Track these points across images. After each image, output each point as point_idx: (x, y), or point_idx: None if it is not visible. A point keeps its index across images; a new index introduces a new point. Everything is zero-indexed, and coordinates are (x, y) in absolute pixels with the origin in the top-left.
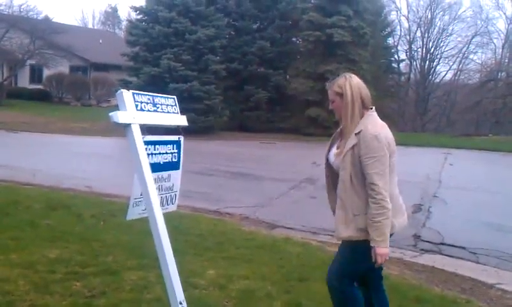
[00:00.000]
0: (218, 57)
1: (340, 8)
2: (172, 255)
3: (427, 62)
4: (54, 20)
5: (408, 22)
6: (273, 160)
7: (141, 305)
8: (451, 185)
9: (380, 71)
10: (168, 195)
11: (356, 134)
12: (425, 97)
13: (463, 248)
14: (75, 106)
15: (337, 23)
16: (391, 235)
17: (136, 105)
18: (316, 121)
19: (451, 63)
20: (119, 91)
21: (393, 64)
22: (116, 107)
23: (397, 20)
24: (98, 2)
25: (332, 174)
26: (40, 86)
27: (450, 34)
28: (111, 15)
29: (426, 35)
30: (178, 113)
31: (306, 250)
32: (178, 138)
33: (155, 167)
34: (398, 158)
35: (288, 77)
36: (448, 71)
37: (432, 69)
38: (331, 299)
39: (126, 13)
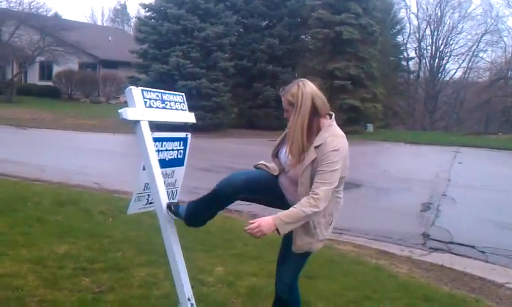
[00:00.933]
0: (227, 55)
1: (349, 6)
2: (180, 251)
3: (437, 60)
4: (63, 17)
5: (418, 19)
6: None
7: (150, 301)
8: (460, 184)
9: (389, 69)
10: (169, 190)
11: (315, 148)
12: (435, 95)
13: (472, 247)
14: (84, 103)
15: (346, 20)
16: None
17: (145, 102)
18: None
19: (461, 61)
20: (128, 88)
21: (403, 62)
22: (125, 104)
23: (406, 18)
24: None
25: (280, 168)
26: (49, 83)
27: (460, 32)
28: (120, 12)
29: (436, 33)
30: (186, 110)
31: None
32: (186, 135)
33: (161, 164)
34: (408, 157)
35: (296, 74)
36: (457, 69)
37: (442, 67)
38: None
39: (135, 10)
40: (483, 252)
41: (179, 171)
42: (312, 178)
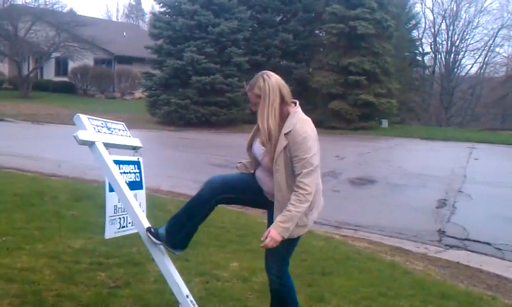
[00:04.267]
0: (241, 50)
1: (364, 0)
2: (168, 257)
3: (452, 55)
4: (78, 13)
5: (433, 14)
6: None
7: (165, 296)
8: (476, 180)
9: (404, 64)
10: None
11: (285, 134)
12: (450, 91)
13: (488, 244)
14: (99, 98)
15: (361, 15)
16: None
17: (94, 128)
18: (339, 114)
19: (476, 56)
20: (76, 115)
21: (418, 57)
22: (139, 100)
23: (421, 13)
24: None
25: (256, 162)
26: (65, 79)
27: (476, 27)
28: (135, 8)
29: (451, 28)
30: (130, 136)
31: (329, 244)
32: (137, 158)
33: None
34: (423, 152)
35: (311, 69)
36: (473, 64)
37: (457, 62)
38: (279, 297)
39: (150, 5)
40: (499, 249)
41: (140, 195)
42: (286, 164)
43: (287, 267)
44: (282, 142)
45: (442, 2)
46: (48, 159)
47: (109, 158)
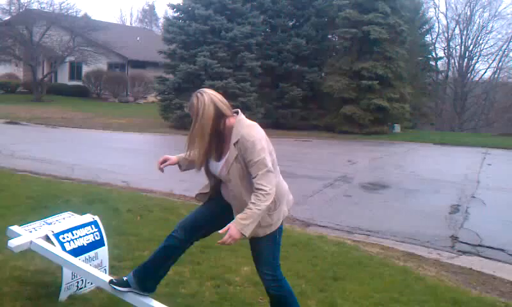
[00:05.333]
0: (254, 55)
1: (377, 5)
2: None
3: (466, 60)
4: (92, 18)
5: (446, 19)
6: (308, 157)
7: (177, 300)
8: (490, 186)
9: (417, 69)
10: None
11: (234, 144)
12: (464, 96)
13: (502, 250)
14: (112, 102)
15: (374, 20)
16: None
17: (29, 231)
18: (351, 118)
19: (490, 61)
20: (8, 229)
21: (431, 62)
22: (152, 104)
23: (435, 17)
24: (136, 0)
25: (216, 181)
26: (79, 83)
27: (490, 32)
28: (149, 13)
29: (465, 32)
30: (79, 216)
31: (341, 249)
32: (93, 219)
33: (80, 251)
34: (436, 158)
35: (323, 74)
36: (487, 69)
37: (471, 67)
38: (280, 302)
39: (163, 10)
40: None
41: (102, 252)
42: (240, 173)
43: (280, 270)
44: (233, 152)
45: (456, 7)
46: (62, 162)
47: (50, 247)
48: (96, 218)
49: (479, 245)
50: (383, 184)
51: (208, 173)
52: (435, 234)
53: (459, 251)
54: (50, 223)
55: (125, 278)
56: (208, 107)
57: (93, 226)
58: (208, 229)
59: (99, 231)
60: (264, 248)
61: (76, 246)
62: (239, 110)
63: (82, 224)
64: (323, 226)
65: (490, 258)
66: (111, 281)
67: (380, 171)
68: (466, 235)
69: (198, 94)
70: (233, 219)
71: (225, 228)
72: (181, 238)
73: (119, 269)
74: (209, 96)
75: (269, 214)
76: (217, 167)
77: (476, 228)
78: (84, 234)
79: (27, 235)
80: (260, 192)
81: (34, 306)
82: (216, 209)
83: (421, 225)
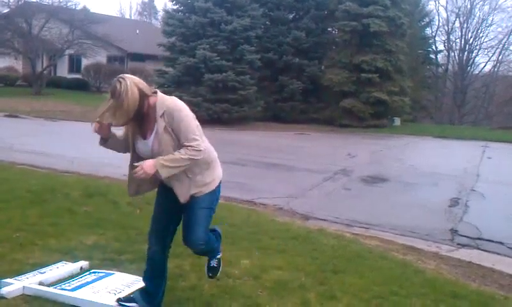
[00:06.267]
0: (253, 48)
1: None
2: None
3: (466, 53)
4: (91, 11)
5: (447, 11)
6: (307, 151)
7: (176, 293)
8: (489, 179)
9: (417, 62)
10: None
11: (161, 116)
12: (464, 89)
13: (501, 243)
14: None
15: (374, 13)
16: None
17: (22, 279)
18: (351, 112)
19: (490, 54)
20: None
21: (431, 55)
22: None
23: (435, 10)
24: None
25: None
26: (78, 76)
27: (490, 25)
28: (148, 6)
29: (465, 25)
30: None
31: (341, 242)
32: (89, 272)
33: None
34: (435, 151)
35: (323, 67)
36: (487, 62)
37: (471, 60)
38: (204, 253)
39: (162, 3)
40: None
41: (112, 279)
42: (172, 145)
43: (209, 231)
44: (161, 124)
45: (456, 0)
46: (61, 156)
47: (45, 288)
48: (84, 265)
49: (479, 239)
50: (383, 177)
51: (134, 156)
52: (434, 227)
53: (458, 244)
54: (44, 271)
55: (134, 296)
56: (132, 89)
57: (92, 274)
58: (173, 226)
59: (98, 271)
60: (199, 210)
61: (88, 280)
62: (157, 90)
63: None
64: (323, 219)
65: (489, 251)
66: (118, 300)
67: (380, 165)
68: (466, 228)
69: (120, 79)
70: (182, 209)
71: (141, 162)
72: (157, 249)
73: (119, 262)
74: (131, 80)
75: (202, 174)
76: (147, 145)
77: (475, 221)
78: (93, 279)
79: (19, 283)
80: (189, 147)
81: (34, 299)
82: (168, 205)
83: (420, 218)
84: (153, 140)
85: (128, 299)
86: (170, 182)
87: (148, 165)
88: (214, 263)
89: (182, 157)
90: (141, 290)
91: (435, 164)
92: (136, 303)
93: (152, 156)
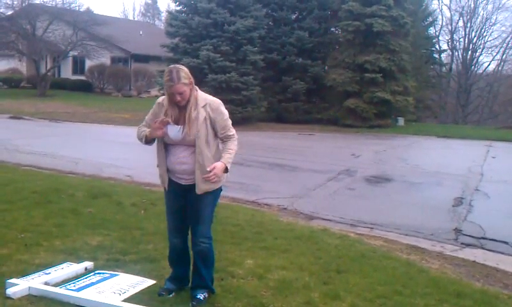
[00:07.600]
0: (256, 48)
1: None
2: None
3: (470, 52)
4: (95, 12)
5: (450, 11)
6: (311, 151)
7: (180, 293)
8: (493, 179)
9: (421, 62)
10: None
11: (203, 107)
12: (467, 88)
13: (505, 243)
14: (116, 97)
15: (377, 12)
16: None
17: (27, 280)
18: (355, 112)
19: (494, 53)
20: (6, 282)
21: (435, 55)
22: (155, 97)
23: (438, 10)
24: None
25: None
26: (82, 77)
27: (494, 24)
28: (151, 7)
29: (469, 25)
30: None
31: (344, 242)
32: (94, 273)
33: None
34: (439, 150)
35: (326, 67)
36: (491, 61)
37: (475, 59)
38: (202, 259)
39: (166, 4)
40: None
41: (117, 279)
42: (206, 134)
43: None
44: (203, 113)
45: None
46: (65, 157)
47: (49, 289)
48: (89, 265)
49: (483, 238)
50: (387, 177)
51: (168, 139)
52: (438, 227)
53: (462, 243)
54: (50, 272)
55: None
56: (188, 74)
57: (98, 274)
58: (187, 220)
59: (103, 272)
60: (206, 205)
61: (94, 281)
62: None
63: (86, 274)
64: (326, 219)
65: (493, 251)
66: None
67: (383, 164)
68: (470, 228)
69: (178, 66)
70: (189, 202)
71: (212, 166)
72: (178, 241)
73: (124, 263)
74: (184, 68)
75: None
76: (179, 130)
77: (479, 220)
78: (96, 281)
79: (25, 283)
80: (232, 137)
81: (39, 300)
82: (179, 203)
83: (424, 218)
84: (190, 127)
85: (161, 290)
86: (196, 172)
87: (219, 169)
88: (201, 296)
89: (235, 148)
90: (169, 278)
91: (439, 163)
92: (169, 288)
93: (182, 142)
